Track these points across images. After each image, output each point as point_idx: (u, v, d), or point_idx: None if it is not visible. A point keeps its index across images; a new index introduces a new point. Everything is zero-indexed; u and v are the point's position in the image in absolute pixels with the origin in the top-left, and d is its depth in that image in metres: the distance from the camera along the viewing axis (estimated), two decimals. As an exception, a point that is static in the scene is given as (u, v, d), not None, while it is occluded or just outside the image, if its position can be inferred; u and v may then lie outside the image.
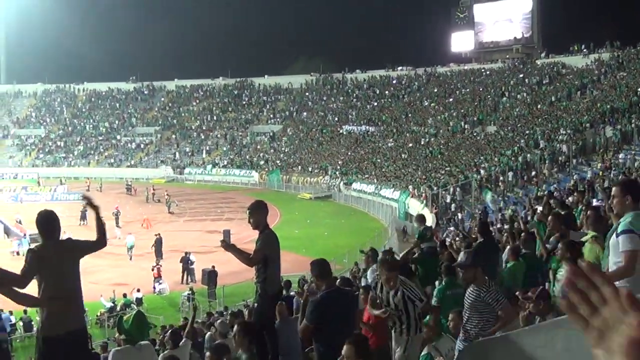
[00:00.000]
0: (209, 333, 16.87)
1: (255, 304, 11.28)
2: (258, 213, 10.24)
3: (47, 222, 8.14)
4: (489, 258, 14.25)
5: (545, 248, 13.02)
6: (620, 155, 47.61)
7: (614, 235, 7.89)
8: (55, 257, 7.87)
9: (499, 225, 32.28)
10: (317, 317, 8.98)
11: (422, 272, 15.88)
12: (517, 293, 10.78)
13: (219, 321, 14.47)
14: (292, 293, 18.62)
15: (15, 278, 7.66)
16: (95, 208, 8.48)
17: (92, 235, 8.54)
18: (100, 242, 8.43)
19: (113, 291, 36.19)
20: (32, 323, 31.33)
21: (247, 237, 21.59)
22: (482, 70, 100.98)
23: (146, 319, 9.38)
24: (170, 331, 14.31)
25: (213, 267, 38.37)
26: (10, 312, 30.80)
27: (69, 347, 7.82)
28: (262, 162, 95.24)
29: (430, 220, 45.97)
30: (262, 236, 10.12)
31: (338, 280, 15.53)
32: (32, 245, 8.32)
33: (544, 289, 9.60)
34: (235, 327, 9.55)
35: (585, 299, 1.33)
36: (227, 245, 9.78)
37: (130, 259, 46.63)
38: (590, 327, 1.32)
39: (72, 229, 42.83)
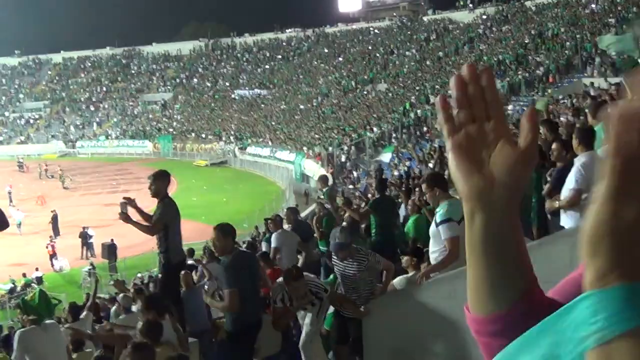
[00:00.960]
0: (113, 308, 16.80)
1: (159, 275, 11.32)
2: (160, 181, 10.28)
3: None
4: (388, 213, 14.56)
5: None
6: (509, 107, 48.63)
7: (434, 225, 8.41)
8: None
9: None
10: (236, 280, 8.92)
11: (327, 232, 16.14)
12: (418, 245, 11.07)
13: (121, 295, 14.36)
14: (190, 262, 18.62)
15: None
16: None
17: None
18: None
19: (9, 275, 35.65)
20: None
21: (144, 208, 21.36)
22: (370, 29, 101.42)
23: (49, 296, 9.33)
24: (68, 305, 14.21)
25: (112, 240, 38.17)
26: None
27: None
28: (154, 132, 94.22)
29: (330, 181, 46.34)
30: (161, 205, 10.15)
31: (244, 245, 15.69)
32: None
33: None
34: (141, 302, 9.53)
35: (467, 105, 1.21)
36: (126, 217, 9.76)
37: (20, 234, 45.78)
38: (459, 133, 1.21)
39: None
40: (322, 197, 18.24)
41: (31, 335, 8.48)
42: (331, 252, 9.50)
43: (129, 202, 10.03)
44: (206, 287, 12.76)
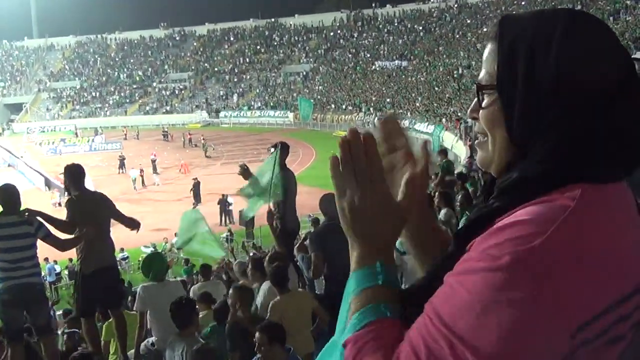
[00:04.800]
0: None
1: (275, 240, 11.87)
2: (280, 152, 10.74)
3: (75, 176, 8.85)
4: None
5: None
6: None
7: None
8: (90, 206, 8.57)
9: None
10: (316, 247, 9.12)
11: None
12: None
13: (235, 262, 14.64)
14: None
15: (64, 224, 8.48)
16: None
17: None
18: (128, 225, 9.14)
19: (150, 240, 36.76)
20: (77, 271, 32.19)
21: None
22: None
23: (156, 261, 9.84)
24: (200, 267, 14.82)
25: (250, 208, 38.79)
26: (55, 262, 31.60)
27: (102, 282, 8.59)
28: (296, 102, 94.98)
29: (464, 153, 46.27)
30: (281, 174, 10.68)
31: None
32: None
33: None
34: (249, 262, 9.98)
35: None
36: (247, 173, 10.46)
37: (135, 188, 48.86)
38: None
39: (112, 177, 43.25)
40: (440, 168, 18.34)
41: (150, 290, 9.07)
42: None
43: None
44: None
